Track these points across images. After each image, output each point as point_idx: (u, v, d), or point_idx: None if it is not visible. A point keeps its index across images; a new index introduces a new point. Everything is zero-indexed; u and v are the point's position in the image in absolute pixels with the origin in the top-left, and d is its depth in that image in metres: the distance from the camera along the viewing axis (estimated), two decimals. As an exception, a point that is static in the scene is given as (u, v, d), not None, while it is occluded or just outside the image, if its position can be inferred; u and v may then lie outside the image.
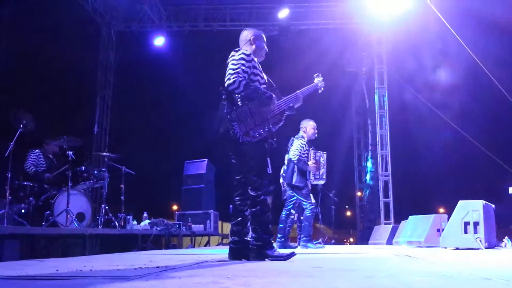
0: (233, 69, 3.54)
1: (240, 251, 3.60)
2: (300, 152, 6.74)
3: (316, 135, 7.02)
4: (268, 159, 3.61)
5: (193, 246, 9.19)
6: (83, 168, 7.14)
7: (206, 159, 10.65)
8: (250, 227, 3.58)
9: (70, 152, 6.61)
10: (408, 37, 11.55)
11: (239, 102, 3.56)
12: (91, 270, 2.55)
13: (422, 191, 19.57)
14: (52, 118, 9.67)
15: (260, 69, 3.78)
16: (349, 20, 12.30)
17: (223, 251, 5.73)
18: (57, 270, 2.52)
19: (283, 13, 11.95)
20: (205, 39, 12.85)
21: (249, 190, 3.58)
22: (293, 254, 3.54)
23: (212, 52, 13.54)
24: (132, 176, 8.19)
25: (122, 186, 7.97)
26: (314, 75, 4.24)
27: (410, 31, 11.21)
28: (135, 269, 2.63)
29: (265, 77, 3.78)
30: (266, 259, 3.42)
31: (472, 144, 11.08)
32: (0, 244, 4.88)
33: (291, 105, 3.81)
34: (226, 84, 3.54)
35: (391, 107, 12.31)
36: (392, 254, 4.81)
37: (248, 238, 3.64)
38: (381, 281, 2.10)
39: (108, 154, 7.90)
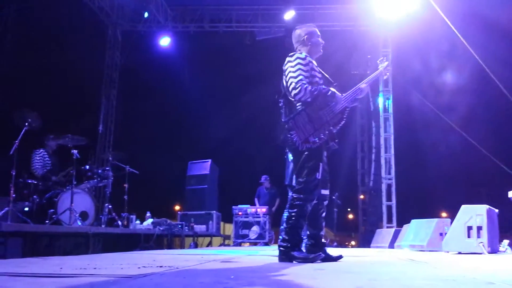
0: (294, 77, 3.52)
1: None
2: None
3: None
4: (321, 164, 3.58)
5: (195, 247, 9.20)
6: (87, 167, 7.15)
7: (210, 160, 10.67)
8: (283, 228, 3.57)
9: (75, 151, 6.64)
10: (414, 40, 11.54)
11: (297, 108, 3.54)
12: (95, 268, 2.56)
13: (425, 195, 19.54)
14: (57, 116, 9.69)
15: (317, 68, 3.74)
16: (355, 22, 12.31)
17: (226, 252, 5.75)
18: (61, 268, 2.53)
19: (289, 15, 11.96)
20: (211, 39, 12.88)
21: (290, 192, 3.61)
22: (320, 255, 3.52)
23: (218, 53, 13.61)
24: (136, 176, 8.21)
25: (126, 185, 7.99)
26: (378, 60, 4.14)
27: (416, 34, 11.20)
28: (139, 268, 2.64)
29: (319, 75, 3.73)
30: (294, 261, 3.43)
31: (476, 148, 11.05)
32: (4, 242, 4.90)
33: (355, 97, 3.76)
34: (292, 94, 3.51)
35: (396, 110, 12.31)
36: (394, 257, 4.80)
37: (324, 241, 3.80)
38: (384, 284, 2.10)
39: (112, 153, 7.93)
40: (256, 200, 10.98)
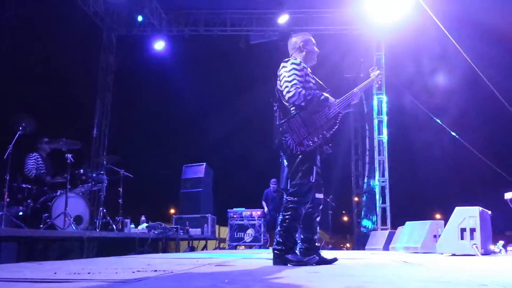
0: (289, 81, 3.57)
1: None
2: None
3: None
4: (314, 168, 3.60)
5: (191, 250, 9.18)
6: (82, 171, 7.13)
7: (205, 163, 10.67)
8: (278, 232, 3.57)
9: (69, 155, 6.62)
10: (407, 43, 11.60)
11: (291, 112, 3.57)
12: (89, 273, 2.56)
13: (418, 197, 19.58)
14: (52, 120, 9.67)
15: (311, 74, 3.79)
16: (349, 26, 12.37)
17: (221, 255, 5.75)
18: (55, 273, 2.53)
19: (283, 19, 12.00)
20: (205, 43, 12.90)
21: (285, 196, 3.62)
22: (314, 258, 3.54)
23: (212, 57, 13.62)
24: (130, 180, 8.19)
25: (120, 189, 7.97)
26: (370, 69, 4.21)
27: (409, 37, 11.26)
28: (133, 272, 2.64)
29: (313, 80, 3.78)
30: (288, 264, 3.44)
31: (469, 150, 11.12)
32: (-2, 246, 4.87)
33: (348, 103, 3.81)
34: (286, 98, 3.56)
35: (389, 112, 12.36)
36: (389, 260, 4.82)
37: (318, 244, 3.82)
38: (378, 286, 2.12)
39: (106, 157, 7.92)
40: (264, 203, 10.84)
